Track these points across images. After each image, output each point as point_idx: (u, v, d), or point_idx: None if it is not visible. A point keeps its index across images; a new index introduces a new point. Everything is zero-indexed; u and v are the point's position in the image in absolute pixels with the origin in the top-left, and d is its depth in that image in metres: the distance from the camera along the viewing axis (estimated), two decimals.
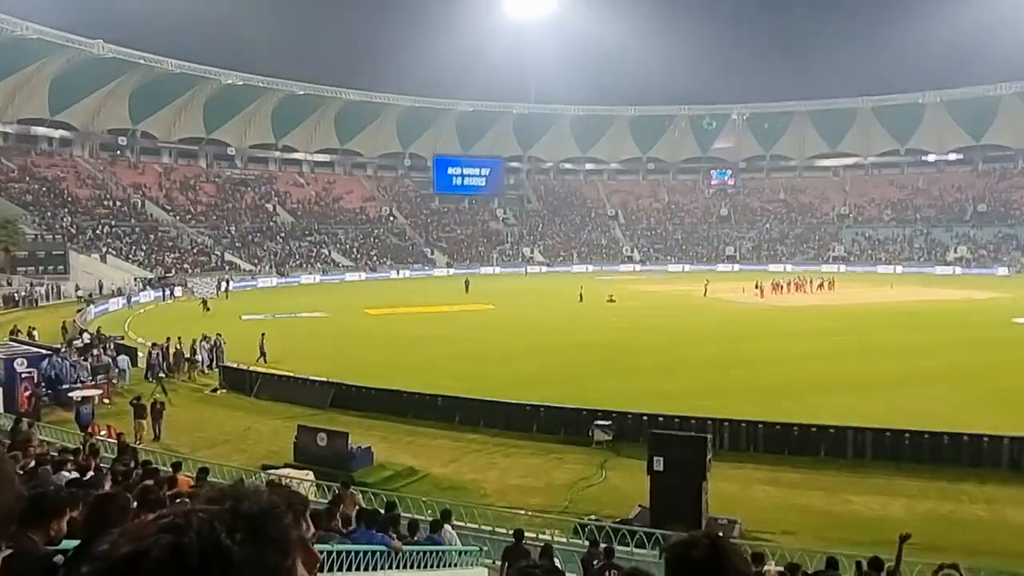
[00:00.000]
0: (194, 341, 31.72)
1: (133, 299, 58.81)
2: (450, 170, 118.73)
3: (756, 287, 63.44)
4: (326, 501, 12.90)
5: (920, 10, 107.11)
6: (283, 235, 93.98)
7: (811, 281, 68.55)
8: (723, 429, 20.11)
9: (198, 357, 31.20)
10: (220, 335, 32.33)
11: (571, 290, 66.02)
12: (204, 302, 53.26)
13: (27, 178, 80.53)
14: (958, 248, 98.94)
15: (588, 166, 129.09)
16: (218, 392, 27.83)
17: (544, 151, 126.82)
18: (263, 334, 32.83)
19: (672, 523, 13.82)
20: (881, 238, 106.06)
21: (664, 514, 14.48)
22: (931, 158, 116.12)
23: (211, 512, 1.09)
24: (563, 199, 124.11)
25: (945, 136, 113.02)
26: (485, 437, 21.69)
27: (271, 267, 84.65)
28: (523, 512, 15.47)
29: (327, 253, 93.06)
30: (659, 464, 14.96)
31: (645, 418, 20.61)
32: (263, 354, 31.81)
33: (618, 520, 14.84)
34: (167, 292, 62.99)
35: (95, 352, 30.18)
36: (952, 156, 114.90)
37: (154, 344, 31.38)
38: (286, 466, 18.22)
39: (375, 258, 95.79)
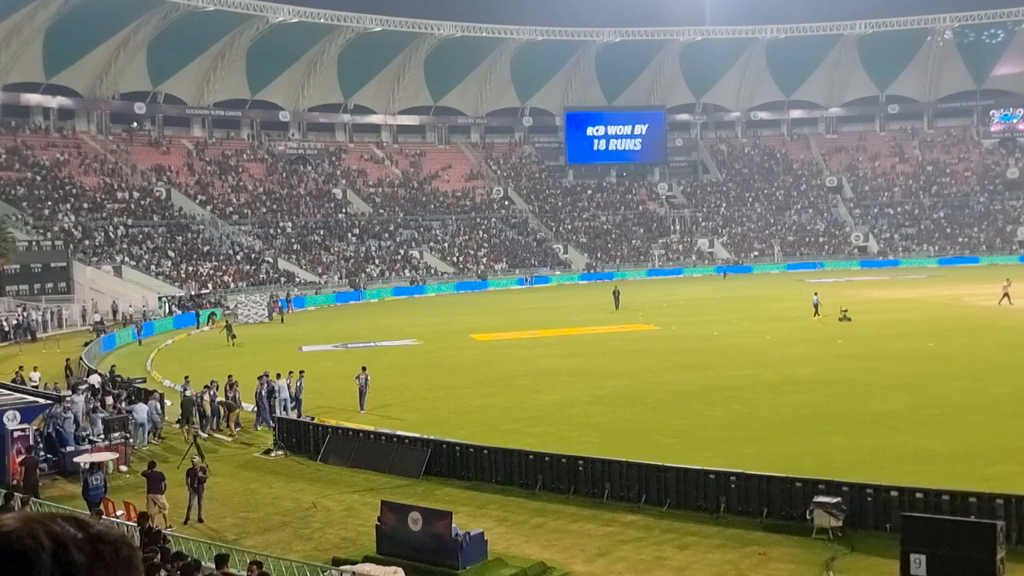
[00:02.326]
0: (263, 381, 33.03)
1: (156, 327, 62.11)
2: (589, 130, 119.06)
3: None
4: None
5: None
6: (357, 232, 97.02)
7: None
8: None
9: (248, 404, 32.58)
10: (303, 373, 33.82)
11: (773, 301, 64.51)
12: (228, 327, 55.53)
13: (16, 164, 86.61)
14: None
15: (794, 114, 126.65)
16: (272, 455, 28.78)
17: (727, 96, 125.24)
18: (364, 368, 34.19)
19: None
20: None
21: None
22: None
23: None
24: (757, 165, 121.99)
25: None
26: (649, 519, 21.40)
27: (341, 276, 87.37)
28: None
29: (418, 255, 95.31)
30: (919, 565, 14.33)
31: (894, 493, 19.79)
32: (364, 395, 33.27)
33: None
34: (205, 316, 65.64)
35: (108, 400, 31.85)
36: None
37: (207, 386, 32.87)
38: (366, 560, 18.55)
39: (484, 261, 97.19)
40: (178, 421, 31.53)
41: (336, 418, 31.40)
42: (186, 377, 33.59)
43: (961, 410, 29.80)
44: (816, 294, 57.98)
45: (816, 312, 55.81)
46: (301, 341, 53.02)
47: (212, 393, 32.52)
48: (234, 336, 53.97)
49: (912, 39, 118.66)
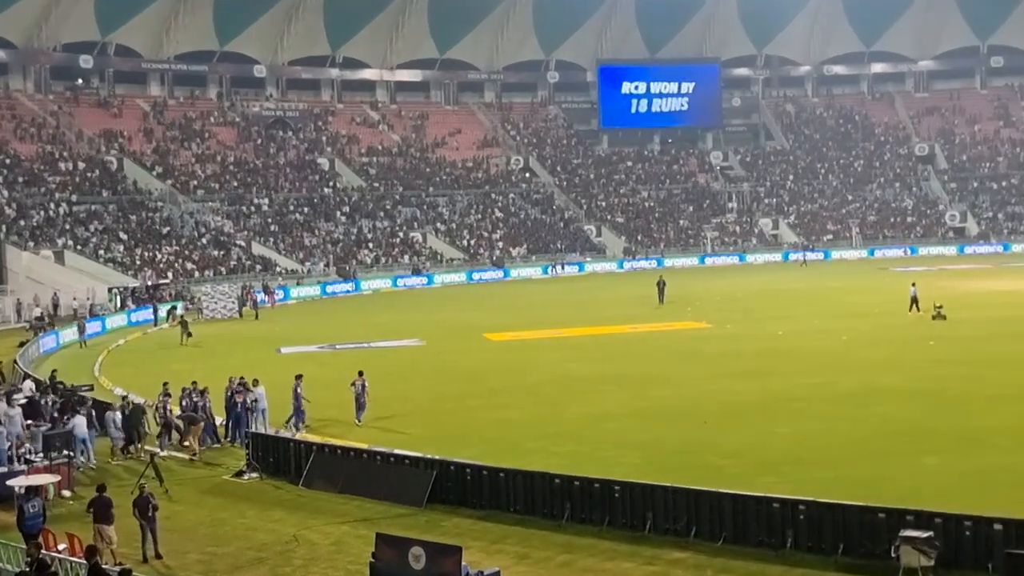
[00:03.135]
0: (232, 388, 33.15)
1: (106, 323, 62.41)
2: (627, 87, 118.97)
3: None
4: None
5: None
6: (347, 210, 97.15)
7: None
8: None
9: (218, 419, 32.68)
10: (301, 377, 33.93)
11: (851, 293, 64.66)
12: (183, 323, 56.21)
13: None
14: None
15: (876, 68, 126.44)
16: (245, 477, 28.82)
17: (794, 46, 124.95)
18: (360, 374, 34.37)
19: None
20: None
21: None
22: None
23: None
24: (831, 130, 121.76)
25: None
26: (700, 556, 21.34)
27: (328, 264, 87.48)
28: None
29: (420, 238, 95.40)
30: None
31: (997, 526, 19.63)
32: (360, 405, 33.53)
33: None
34: (166, 311, 65.86)
35: (48, 412, 31.89)
36: None
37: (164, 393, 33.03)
38: None
39: (501, 245, 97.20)
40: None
41: (322, 434, 31.48)
42: (165, 383, 33.68)
43: None
44: (914, 285, 58.14)
45: (914, 306, 56.01)
46: (279, 341, 53.20)
47: (187, 402, 32.65)
48: (190, 335, 54.35)
49: None
